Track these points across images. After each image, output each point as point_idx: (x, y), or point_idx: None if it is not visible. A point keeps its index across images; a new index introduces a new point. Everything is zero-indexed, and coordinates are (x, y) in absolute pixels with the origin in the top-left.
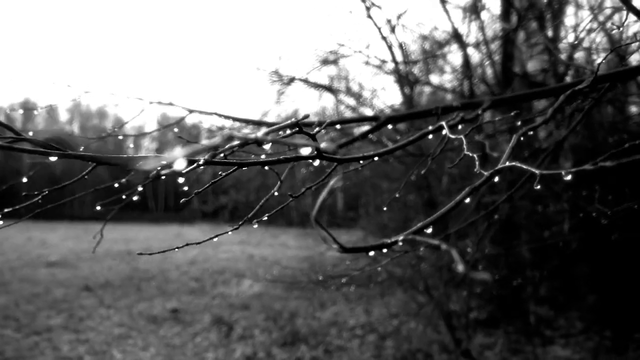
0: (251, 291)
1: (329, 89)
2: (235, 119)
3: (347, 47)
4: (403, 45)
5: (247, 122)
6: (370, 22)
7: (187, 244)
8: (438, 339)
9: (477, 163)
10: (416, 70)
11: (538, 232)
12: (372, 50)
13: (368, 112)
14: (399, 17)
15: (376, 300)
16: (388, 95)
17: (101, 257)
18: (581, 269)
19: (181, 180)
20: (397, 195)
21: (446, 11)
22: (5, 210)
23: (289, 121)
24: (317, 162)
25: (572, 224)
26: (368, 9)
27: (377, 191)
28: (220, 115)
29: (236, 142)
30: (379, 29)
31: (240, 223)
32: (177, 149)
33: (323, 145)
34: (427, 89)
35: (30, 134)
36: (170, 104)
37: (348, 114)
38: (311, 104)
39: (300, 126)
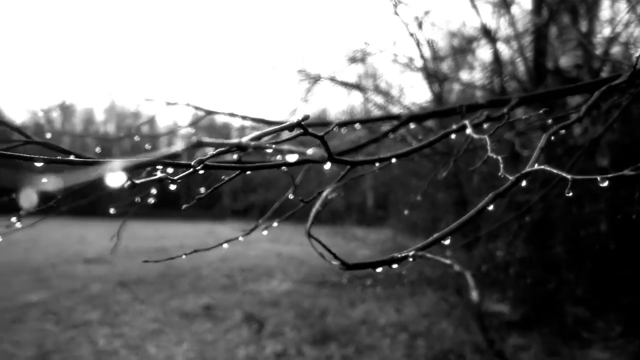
0: (281, 288)
1: (357, 87)
2: (252, 119)
3: (374, 45)
4: (431, 42)
5: (262, 122)
6: (397, 20)
7: (219, 244)
8: (470, 340)
9: (501, 166)
10: (445, 67)
11: (574, 232)
12: (400, 48)
13: (397, 110)
14: (426, 13)
15: (406, 299)
16: (417, 93)
17: (135, 254)
18: (620, 271)
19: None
20: (418, 199)
21: (475, 7)
22: (43, 207)
23: (288, 122)
24: (328, 166)
25: (610, 225)
26: (395, 5)
27: (407, 189)
28: (236, 116)
29: (211, 151)
30: (407, 25)
31: (250, 229)
32: (116, 160)
33: (310, 151)
34: (456, 87)
35: (49, 135)
36: (188, 104)
37: (376, 112)
38: (340, 103)
39: (305, 127)
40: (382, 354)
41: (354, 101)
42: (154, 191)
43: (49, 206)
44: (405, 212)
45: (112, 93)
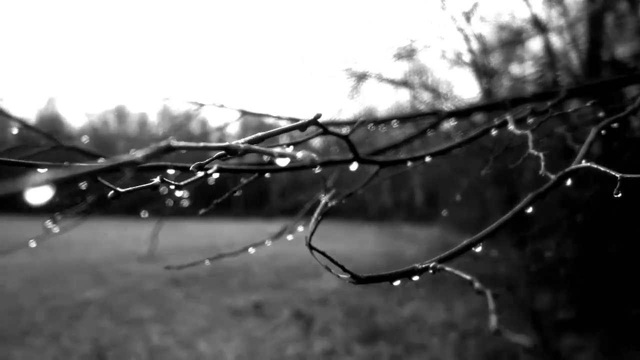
0: (329, 286)
1: (404, 84)
2: (287, 119)
3: (420, 41)
4: (480, 36)
5: (293, 121)
6: (444, 14)
7: (244, 248)
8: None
9: (542, 163)
10: (494, 61)
11: (631, 229)
12: (447, 43)
13: (446, 107)
14: (474, 6)
15: (456, 297)
16: (465, 89)
17: (188, 252)
18: None
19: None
20: (457, 198)
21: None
22: (101, 208)
23: (300, 121)
24: (354, 167)
25: None
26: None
27: (456, 187)
28: (270, 116)
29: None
30: (455, 20)
31: (277, 233)
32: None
33: (300, 154)
34: (506, 81)
35: (84, 138)
36: (222, 105)
37: (423, 109)
38: (387, 101)
39: (323, 125)
40: (432, 353)
41: (401, 98)
42: (182, 194)
43: (83, 210)
44: (444, 212)
45: (164, 96)
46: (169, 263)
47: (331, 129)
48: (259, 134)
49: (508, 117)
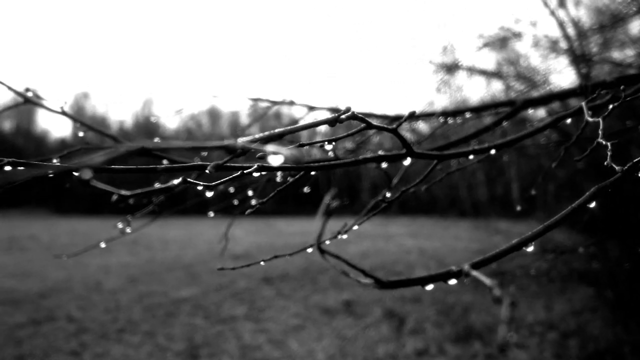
0: None
1: (496, 74)
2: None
3: (511, 28)
4: (577, 20)
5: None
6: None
7: (299, 250)
8: (630, 340)
9: (609, 154)
10: (593, 47)
11: None
12: (541, 30)
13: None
14: None
15: (557, 295)
16: (562, 78)
17: (281, 250)
18: None
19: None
20: (533, 193)
21: None
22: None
23: (331, 115)
24: (407, 162)
25: None
26: None
27: (554, 179)
28: (339, 111)
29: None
30: (548, 6)
31: (337, 233)
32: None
33: (286, 151)
34: (606, 67)
35: (157, 139)
36: (292, 102)
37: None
38: (479, 92)
39: (366, 120)
40: (530, 353)
41: (495, 89)
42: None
43: (152, 210)
44: (518, 207)
45: (254, 96)
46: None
47: (377, 123)
48: (278, 129)
49: (583, 104)
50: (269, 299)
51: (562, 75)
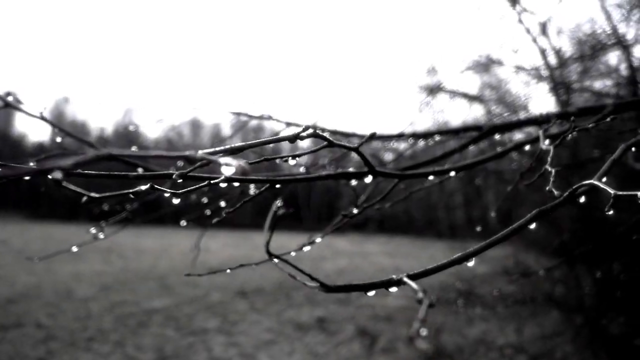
0: (395, 303)
1: (478, 98)
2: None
3: (494, 54)
4: (557, 49)
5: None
6: (519, 28)
7: (267, 260)
8: None
9: (551, 180)
10: (572, 75)
11: None
12: (523, 57)
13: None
14: (548, 20)
15: (528, 319)
16: (542, 104)
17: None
18: None
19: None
20: (492, 215)
21: (605, 10)
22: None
23: (296, 132)
24: (369, 179)
25: None
26: (519, 14)
27: (529, 204)
28: (316, 129)
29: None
30: (531, 34)
31: (301, 246)
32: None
33: (234, 162)
34: (585, 96)
35: (134, 148)
36: (269, 117)
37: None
38: (460, 115)
39: (327, 139)
40: None
41: (476, 113)
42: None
43: (125, 217)
44: (478, 228)
45: (236, 109)
46: (236, 275)
47: (340, 141)
48: (238, 144)
49: (540, 132)
50: (242, 313)
51: (542, 101)
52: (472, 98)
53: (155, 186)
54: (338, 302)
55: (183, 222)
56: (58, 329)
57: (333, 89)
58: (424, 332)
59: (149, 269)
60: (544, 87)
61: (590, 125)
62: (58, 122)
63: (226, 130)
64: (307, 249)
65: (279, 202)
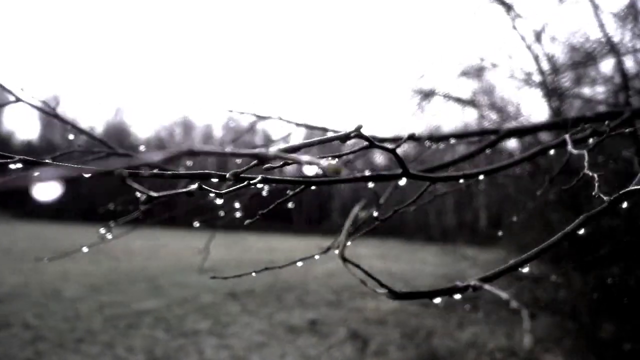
0: (387, 306)
1: (471, 103)
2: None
3: (489, 59)
4: (551, 56)
5: (323, 130)
6: (514, 34)
7: (293, 262)
8: None
9: (596, 185)
10: (565, 82)
11: None
12: (516, 63)
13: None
14: (544, 27)
15: (518, 323)
16: (534, 110)
17: (246, 266)
18: None
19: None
20: (514, 219)
21: (598, 18)
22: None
23: (342, 132)
24: (403, 182)
25: None
26: (513, 19)
27: (520, 209)
28: (328, 130)
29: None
30: (525, 40)
31: (326, 248)
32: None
33: (324, 163)
34: (577, 102)
35: (142, 148)
36: (279, 118)
37: (488, 127)
38: (453, 120)
39: (369, 139)
40: None
41: (468, 118)
42: (237, 205)
43: (136, 217)
44: (500, 233)
45: (227, 108)
46: (227, 275)
47: (378, 143)
48: (294, 143)
49: (566, 136)
50: (233, 315)
51: (535, 107)
52: (465, 102)
53: (204, 186)
54: (329, 305)
55: (196, 224)
56: (46, 330)
57: (324, 91)
58: (527, 341)
59: (139, 269)
60: (537, 93)
61: (628, 130)
62: (47, 121)
63: (217, 131)
64: (336, 252)
65: (360, 205)
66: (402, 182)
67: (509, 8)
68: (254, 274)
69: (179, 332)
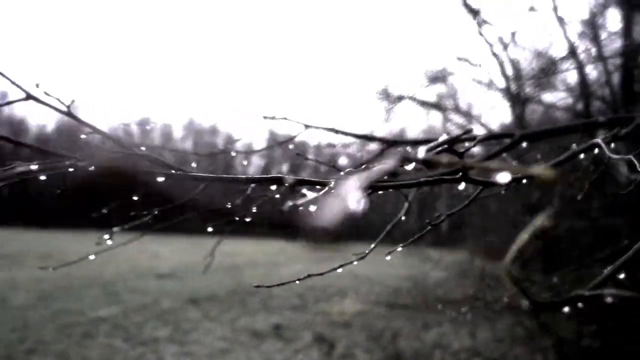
0: (353, 309)
1: (437, 106)
2: (356, 136)
3: (454, 65)
4: (515, 62)
5: (369, 139)
6: (479, 40)
7: (334, 268)
8: None
9: None
10: (528, 88)
11: None
12: (481, 68)
13: (478, 130)
14: (513, 35)
15: (482, 323)
16: (497, 114)
17: (208, 271)
18: None
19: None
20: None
21: (562, 26)
22: (126, 226)
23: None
24: (462, 186)
25: None
26: (479, 25)
27: (486, 212)
28: (338, 132)
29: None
30: (491, 46)
31: (367, 252)
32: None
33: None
34: (539, 108)
35: (143, 148)
36: (284, 118)
37: (457, 132)
38: (418, 123)
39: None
40: None
41: (434, 121)
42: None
43: (143, 222)
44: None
45: (190, 109)
46: (187, 282)
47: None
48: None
49: (599, 140)
50: (194, 321)
51: (498, 111)
52: (431, 106)
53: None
54: (294, 308)
55: (209, 228)
56: None
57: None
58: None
59: (94, 275)
60: (499, 97)
61: None
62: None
63: (177, 132)
64: (388, 258)
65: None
66: (462, 186)
67: (475, 13)
68: (297, 281)
69: (138, 340)
